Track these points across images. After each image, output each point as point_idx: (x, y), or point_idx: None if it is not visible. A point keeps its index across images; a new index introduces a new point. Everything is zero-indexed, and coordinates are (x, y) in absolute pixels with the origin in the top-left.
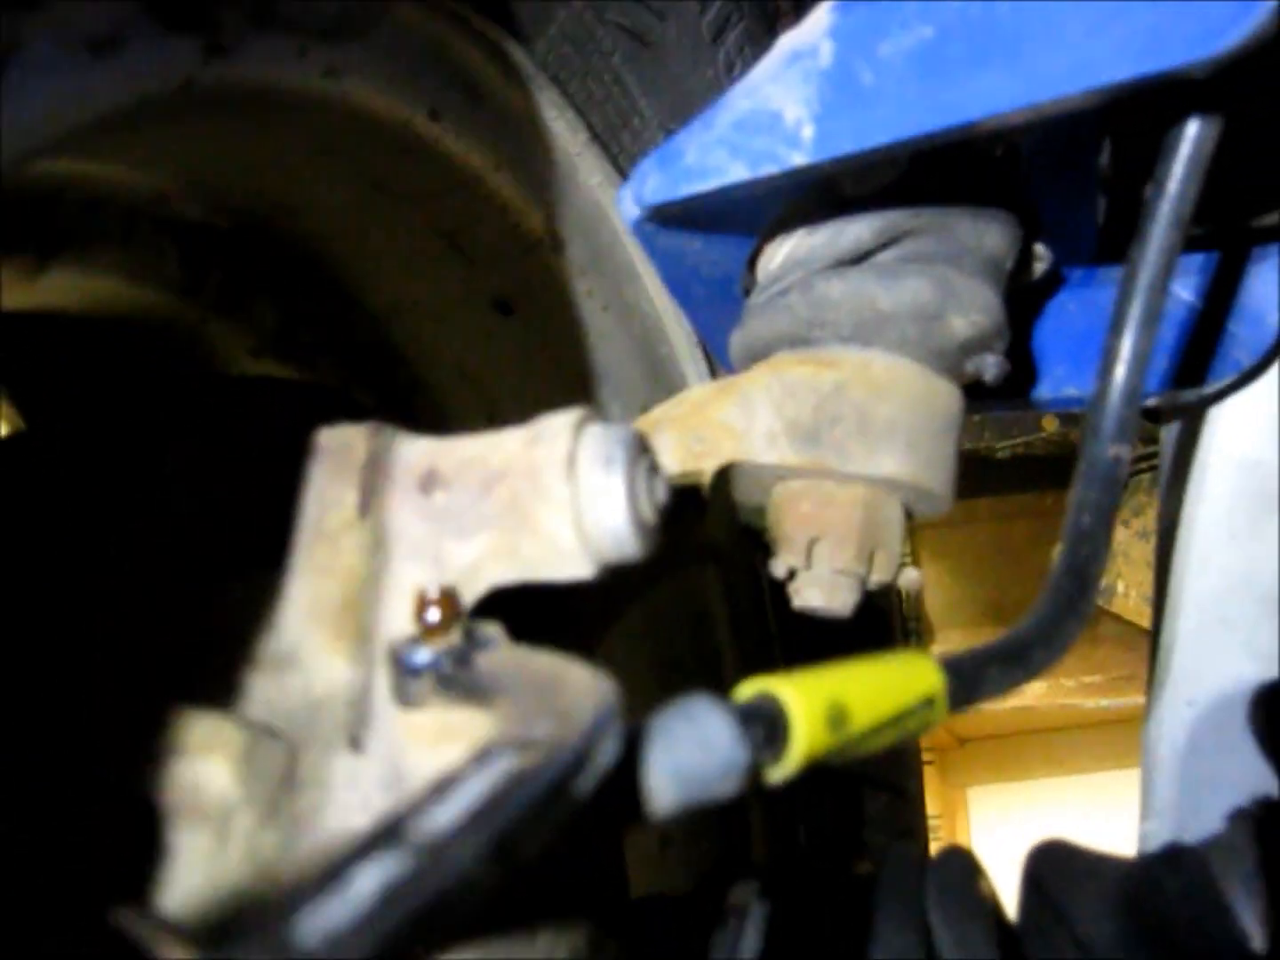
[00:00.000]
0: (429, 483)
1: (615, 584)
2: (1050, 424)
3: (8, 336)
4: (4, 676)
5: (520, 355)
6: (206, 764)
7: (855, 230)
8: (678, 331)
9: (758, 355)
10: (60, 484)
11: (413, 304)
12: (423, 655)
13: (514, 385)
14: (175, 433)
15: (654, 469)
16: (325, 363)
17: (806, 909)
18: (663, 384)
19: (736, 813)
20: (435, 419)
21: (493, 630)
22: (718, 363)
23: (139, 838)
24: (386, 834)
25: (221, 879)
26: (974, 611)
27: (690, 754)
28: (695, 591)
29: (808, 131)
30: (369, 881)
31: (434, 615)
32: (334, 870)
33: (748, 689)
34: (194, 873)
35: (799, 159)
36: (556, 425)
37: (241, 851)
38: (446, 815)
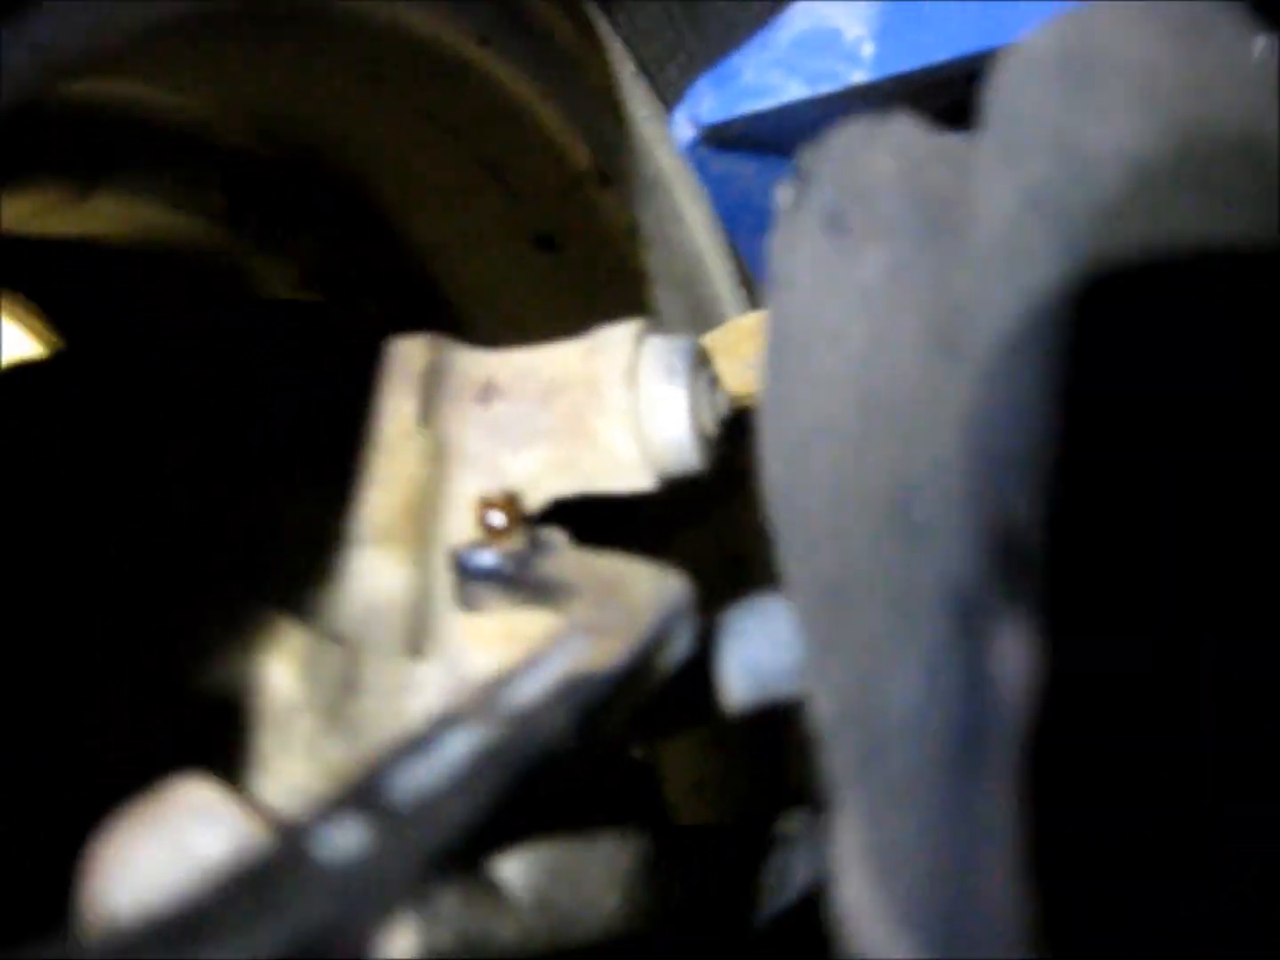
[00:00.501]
0: (487, 394)
1: (671, 504)
2: None
3: (50, 262)
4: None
5: (561, 292)
6: (270, 664)
7: None
8: (721, 271)
9: None
10: (102, 401)
11: (454, 239)
12: (485, 558)
13: (554, 322)
14: (219, 352)
15: (714, 381)
16: (366, 297)
17: None
18: (705, 324)
19: (771, 752)
20: None
21: (556, 535)
22: (763, 294)
23: (201, 741)
24: (475, 705)
25: (285, 780)
26: None
27: (762, 650)
28: (730, 531)
29: (868, 49)
30: (459, 747)
31: (497, 519)
32: (426, 737)
33: None
34: (258, 775)
35: (859, 76)
36: (616, 336)
37: (303, 754)
38: (532, 689)
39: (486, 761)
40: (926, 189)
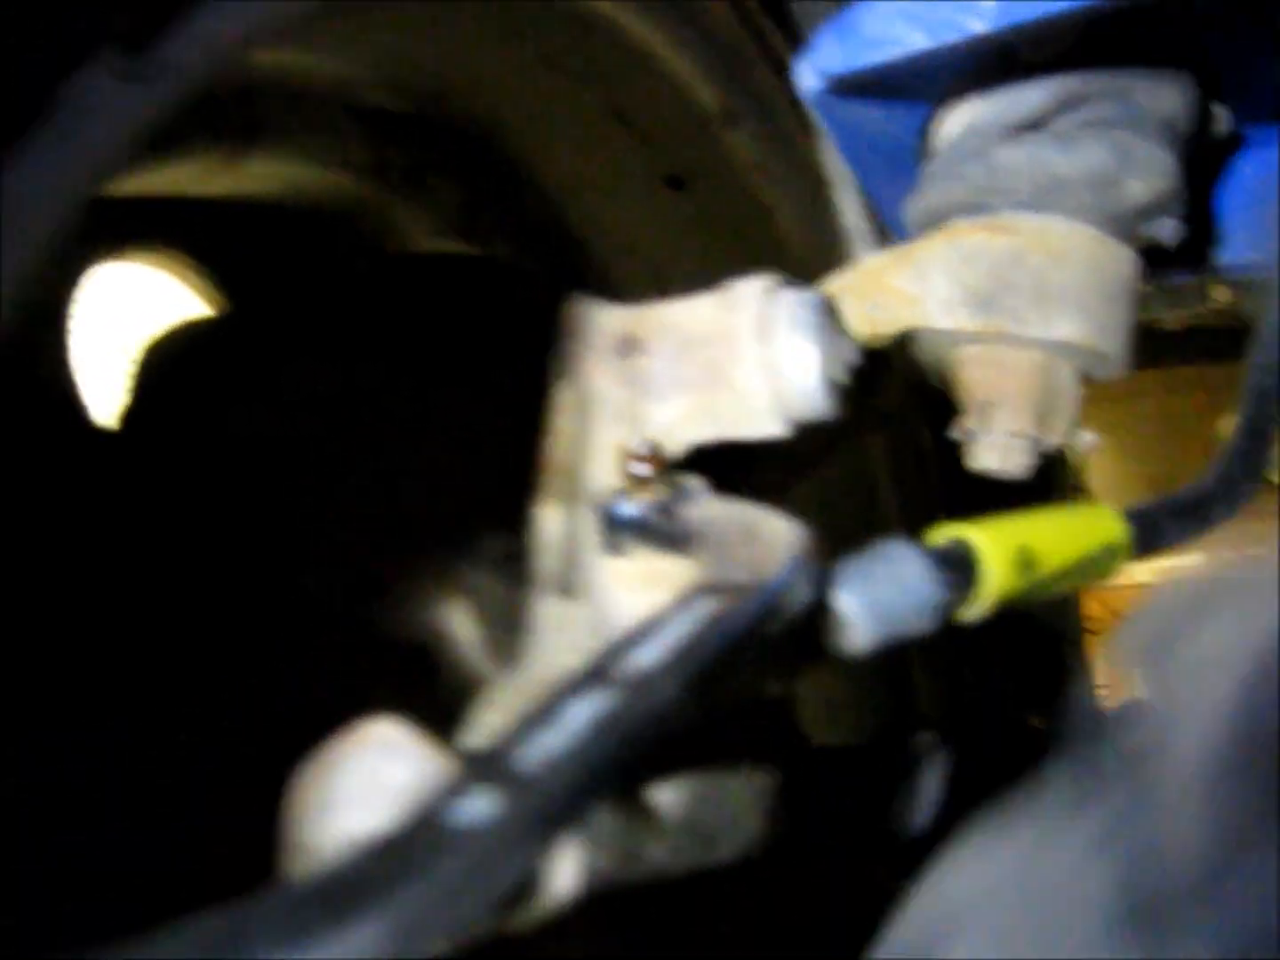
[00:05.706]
0: (627, 348)
1: (801, 445)
2: (1221, 294)
3: (210, 221)
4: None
5: (692, 230)
6: (452, 609)
7: (1032, 97)
8: (850, 206)
9: (934, 223)
10: (273, 356)
11: (586, 182)
12: (629, 507)
13: (686, 260)
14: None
15: (843, 332)
16: (502, 242)
17: (981, 760)
18: (834, 257)
19: (901, 674)
20: (607, 294)
21: (695, 483)
22: (890, 234)
23: (399, 679)
24: (596, 673)
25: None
26: (1139, 486)
27: (888, 592)
28: (862, 462)
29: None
30: (581, 714)
31: (640, 469)
32: (551, 706)
33: (939, 535)
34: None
35: (979, 26)
36: (748, 291)
37: (467, 683)
38: (651, 654)
39: (606, 728)
40: None
